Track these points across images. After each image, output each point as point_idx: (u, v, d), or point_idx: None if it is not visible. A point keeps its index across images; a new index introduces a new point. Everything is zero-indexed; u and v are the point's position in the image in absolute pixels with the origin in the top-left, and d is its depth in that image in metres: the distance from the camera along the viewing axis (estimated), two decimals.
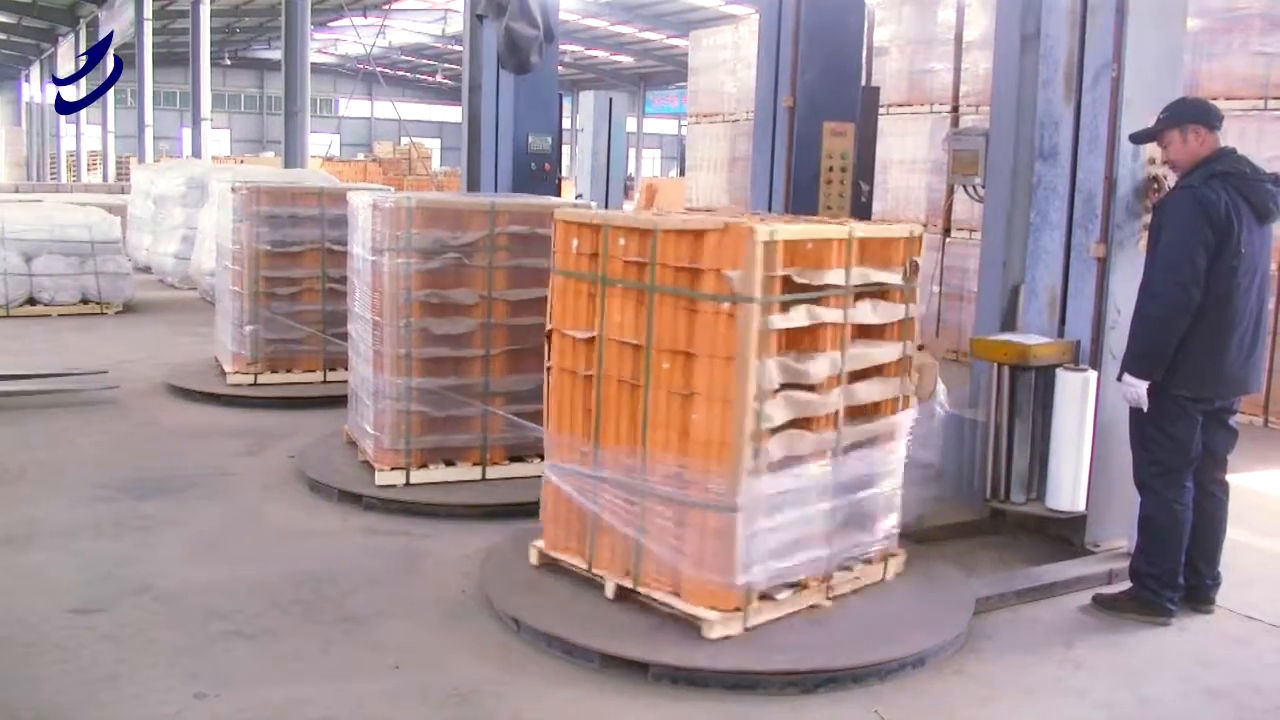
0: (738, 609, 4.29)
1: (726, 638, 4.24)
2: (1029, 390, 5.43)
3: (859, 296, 4.57)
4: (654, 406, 4.43)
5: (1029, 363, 5.37)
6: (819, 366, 4.41)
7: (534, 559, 4.96)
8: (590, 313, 4.69)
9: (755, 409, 4.20)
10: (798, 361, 4.34)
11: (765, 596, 4.41)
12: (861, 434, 4.69)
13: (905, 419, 4.88)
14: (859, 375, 4.65)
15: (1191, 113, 4.79)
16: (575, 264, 4.76)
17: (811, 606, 4.55)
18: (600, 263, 4.61)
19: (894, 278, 4.70)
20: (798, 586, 4.53)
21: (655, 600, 4.46)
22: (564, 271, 4.83)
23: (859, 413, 4.69)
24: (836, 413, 4.55)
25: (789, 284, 4.28)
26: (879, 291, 4.67)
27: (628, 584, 4.55)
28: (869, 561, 4.85)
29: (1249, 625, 4.87)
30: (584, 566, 4.76)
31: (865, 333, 4.67)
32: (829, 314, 4.42)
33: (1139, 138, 5.01)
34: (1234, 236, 4.57)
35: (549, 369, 4.91)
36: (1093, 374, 5.27)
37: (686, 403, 4.32)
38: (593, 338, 4.67)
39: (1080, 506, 5.33)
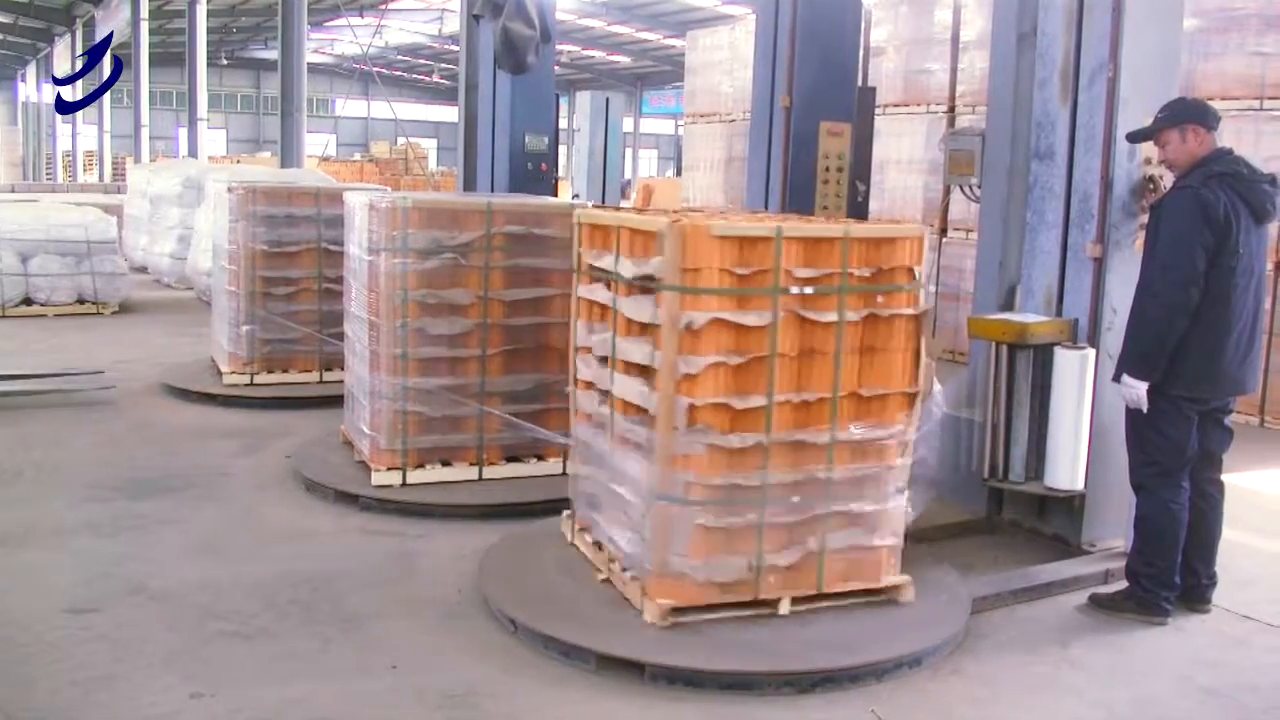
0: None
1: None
2: (1027, 369, 5.42)
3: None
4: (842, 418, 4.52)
5: (1027, 341, 5.36)
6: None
7: (661, 620, 4.43)
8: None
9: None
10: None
11: None
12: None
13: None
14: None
15: (1190, 113, 4.79)
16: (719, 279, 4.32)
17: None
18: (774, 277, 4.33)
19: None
20: None
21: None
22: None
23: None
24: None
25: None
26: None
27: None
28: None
29: (1246, 625, 4.87)
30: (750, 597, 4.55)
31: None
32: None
33: (1136, 136, 5.02)
34: (1232, 237, 4.58)
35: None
36: (1091, 351, 5.26)
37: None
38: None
39: (1079, 485, 5.32)
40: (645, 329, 4.39)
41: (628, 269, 4.47)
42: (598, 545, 4.91)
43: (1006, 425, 5.47)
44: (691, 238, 4.20)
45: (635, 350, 4.44)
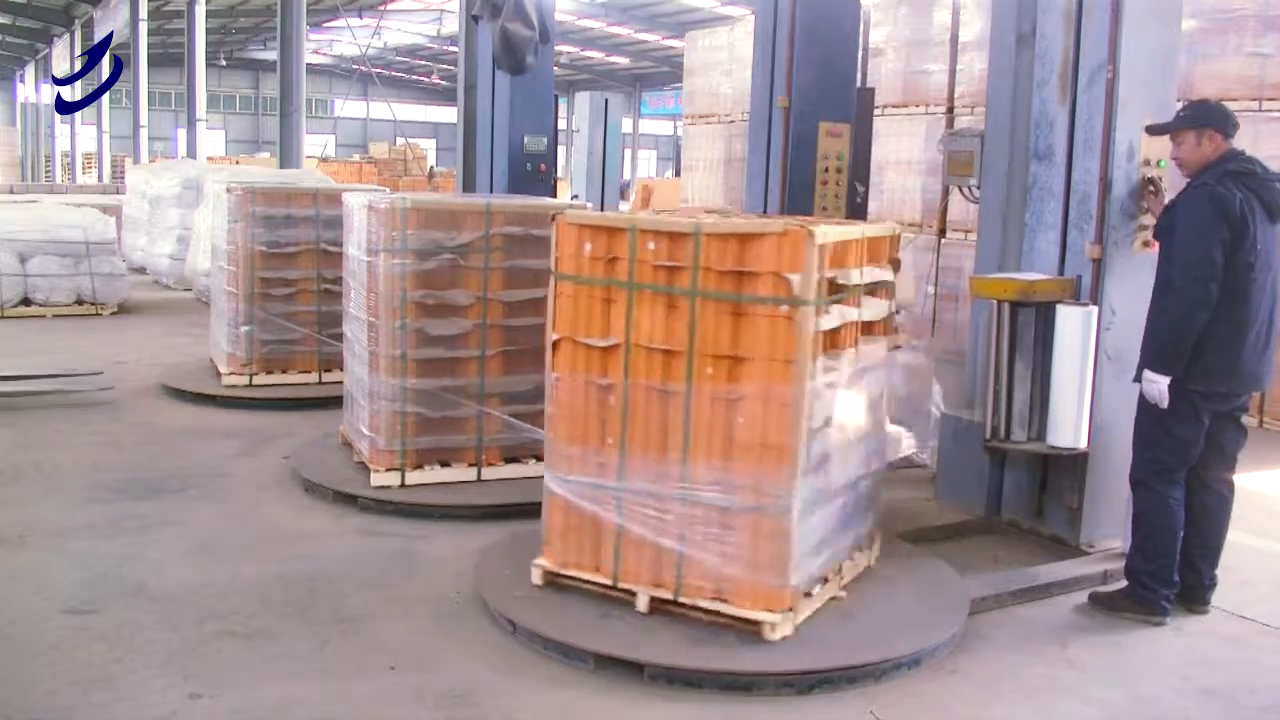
0: (790, 608, 4.29)
1: (784, 638, 4.25)
2: (1029, 327, 5.39)
3: (866, 294, 4.70)
4: (697, 413, 4.34)
5: (1030, 298, 5.34)
6: (845, 365, 4.49)
7: (538, 579, 4.70)
8: (607, 319, 4.52)
9: (808, 409, 4.21)
10: (833, 361, 4.40)
11: (805, 594, 4.45)
12: (869, 425, 4.85)
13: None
14: (866, 369, 4.76)
15: (1212, 118, 4.80)
16: (589, 269, 4.56)
17: (833, 599, 4.63)
18: (628, 267, 4.44)
19: (889, 275, 4.85)
20: (823, 581, 4.60)
21: (700, 609, 4.37)
22: (574, 277, 4.62)
23: (869, 406, 4.85)
24: (858, 409, 4.70)
25: (833, 285, 4.34)
26: (876, 289, 4.77)
27: (664, 594, 4.43)
28: (860, 549, 4.97)
29: (1244, 625, 4.87)
30: (607, 582, 4.57)
31: (868, 329, 4.77)
32: (852, 312, 4.51)
33: (1155, 129, 5.01)
34: (1249, 233, 4.60)
35: (556, 378, 4.71)
36: (1093, 309, 5.25)
37: (732, 407, 4.27)
38: (614, 345, 4.50)
39: (1082, 443, 5.30)
40: None
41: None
42: None
43: (1008, 386, 5.41)
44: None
45: None
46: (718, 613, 4.35)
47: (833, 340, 4.41)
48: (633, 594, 4.50)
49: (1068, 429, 5.28)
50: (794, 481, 4.21)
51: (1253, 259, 4.62)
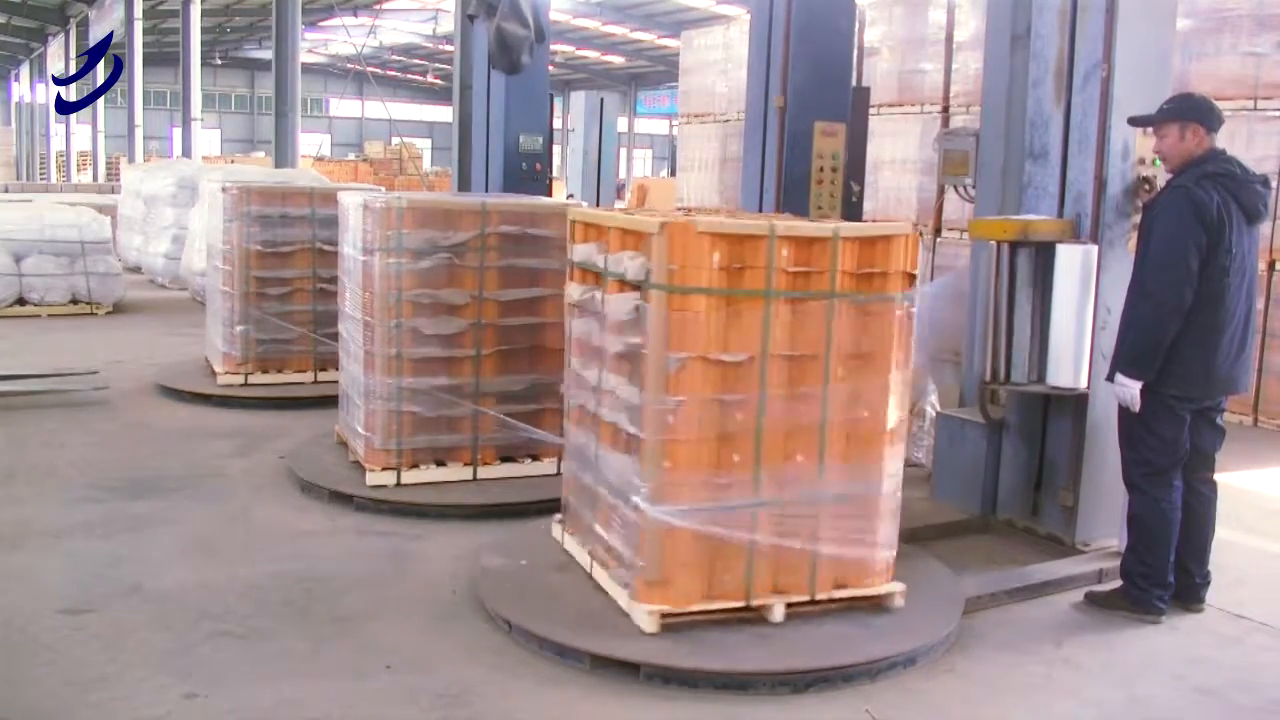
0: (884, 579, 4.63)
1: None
2: (1029, 268, 5.37)
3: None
4: (832, 413, 4.44)
5: (1029, 238, 5.32)
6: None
7: (652, 626, 4.27)
8: (728, 332, 4.25)
9: (895, 399, 4.53)
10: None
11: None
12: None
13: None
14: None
15: (1195, 111, 4.79)
16: (717, 279, 4.21)
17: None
18: (765, 275, 4.24)
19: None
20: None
21: (833, 600, 4.55)
22: (705, 289, 4.20)
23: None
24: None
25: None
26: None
27: (800, 598, 4.49)
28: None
29: (1239, 624, 4.88)
30: (738, 605, 4.40)
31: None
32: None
33: (1138, 121, 5.01)
34: (1225, 237, 4.59)
35: (680, 402, 4.23)
36: (1093, 247, 5.24)
37: (856, 402, 4.46)
38: (749, 359, 4.29)
39: (1082, 384, 5.28)
40: None
41: None
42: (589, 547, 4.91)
43: (1008, 327, 5.37)
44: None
45: None
46: (848, 599, 4.57)
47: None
48: (764, 608, 4.43)
49: (1067, 369, 5.26)
50: (899, 461, 4.62)
51: (1228, 262, 4.61)
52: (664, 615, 4.30)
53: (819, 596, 4.52)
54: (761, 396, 4.32)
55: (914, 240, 4.48)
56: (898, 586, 4.61)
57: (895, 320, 4.45)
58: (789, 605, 4.46)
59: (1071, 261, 5.21)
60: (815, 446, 4.43)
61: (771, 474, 4.39)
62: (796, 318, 4.33)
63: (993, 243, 5.40)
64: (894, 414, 4.54)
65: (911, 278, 4.49)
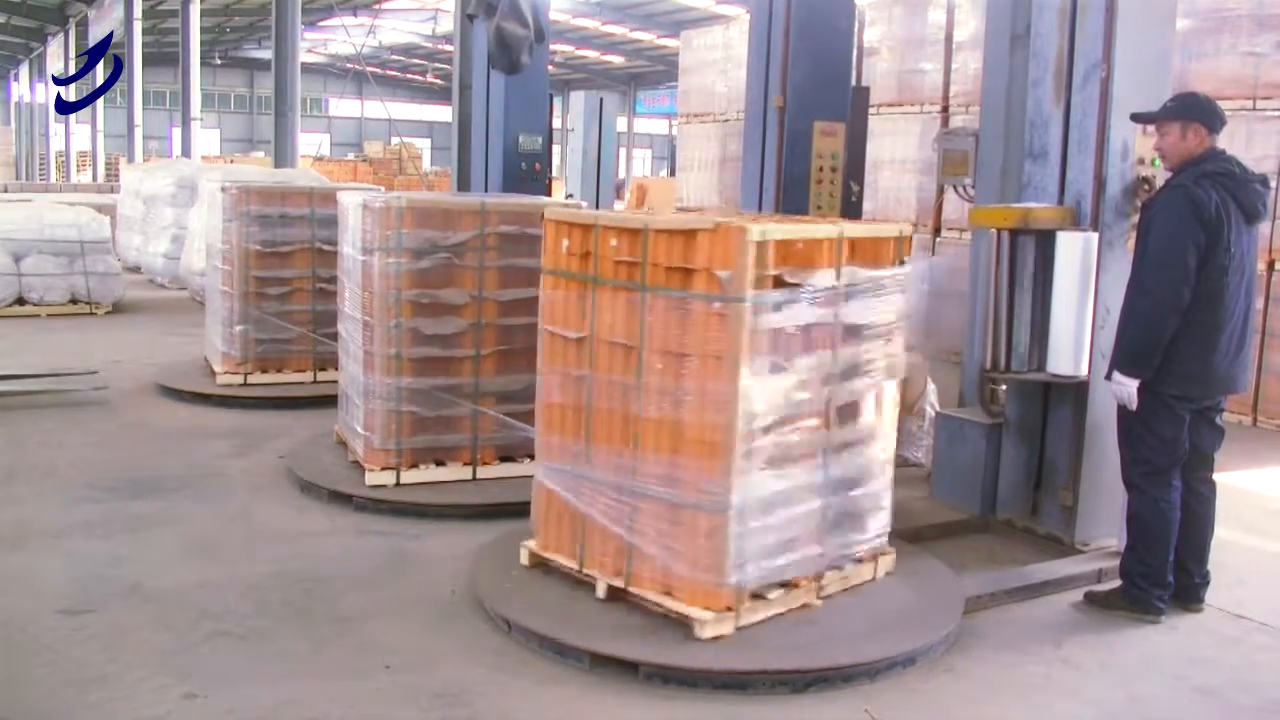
0: (729, 608, 4.29)
1: (718, 637, 4.24)
2: (1029, 256, 5.35)
3: (851, 296, 4.58)
4: (646, 407, 4.41)
5: (1029, 226, 5.30)
6: (809, 366, 4.42)
7: (525, 559, 4.94)
8: (581, 313, 4.68)
9: (746, 408, 4.20)
10: (789, 361, 4.35)
11: (757, 596, 4.42)
12: (853, 433, 4.71)
13: (893, 417, 4.94)
14: (850, 374, 4.65)
15: (1198, 111, 4.78)
16: (566, 263, 4.74)
17: (803, 605, 4.56)
18: (592, 262, 4.59)
19: (884, 277, 4.72)
20: (789, 586, 4.54)
21: (647, 600, 4.46)
22: (554, 271, 4.82)
23: (850, 412, 4.71)
24: (828, 412, 4.56)
25: (780, 283, 4.28)
26: (871, 291, 4.67)
27: (619, 583, 4.55)
28: (859, 560, 4.87)
29: (1239, 624, 4.88)
30: (575, 566, 4.75)
31: (855, 333, 4.67)
32: (820, 313, 4.43)
33: (1140, 117, 5.00)
34: (1224, 236, 4.59)
35: (542, 369, 4.89)
36: (1094, 235, 5.23)
37: (679, 403, 4.31)
38: (583, 338, 4.65)
39: (1082, 371, 5.27)
40: None
41: None
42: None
43: (1008, 315, 5.36)
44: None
45: None
46: (661, 605, 4.41)
47: (793, 339, 4.37)
48: (593, 581, 4.65)
49: (1068, 356, 5.24)
50: (730, 480, 4.21)
51: (1226, 262, 4.61)
52: (531, 554, 4.93)
53: (632, 589, 4.52)
54: (589, 377, 4.63)
55: (725, 235, 4.14)
56: (707, 616, 4.22)
57: (708, 320, 4.20)
58: (611, 588, 4.58)
59: (1072, 249, 5.19)
60: (630, 436, 4.47)
61: (597, 452, 4.63)
62: (626, 307, 4.49)
63: (993, 231, 5.39)
64: (725, 428, 4.19)
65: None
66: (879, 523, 4.91)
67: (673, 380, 4.33)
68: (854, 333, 4.64)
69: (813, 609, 4.57)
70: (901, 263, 4.79)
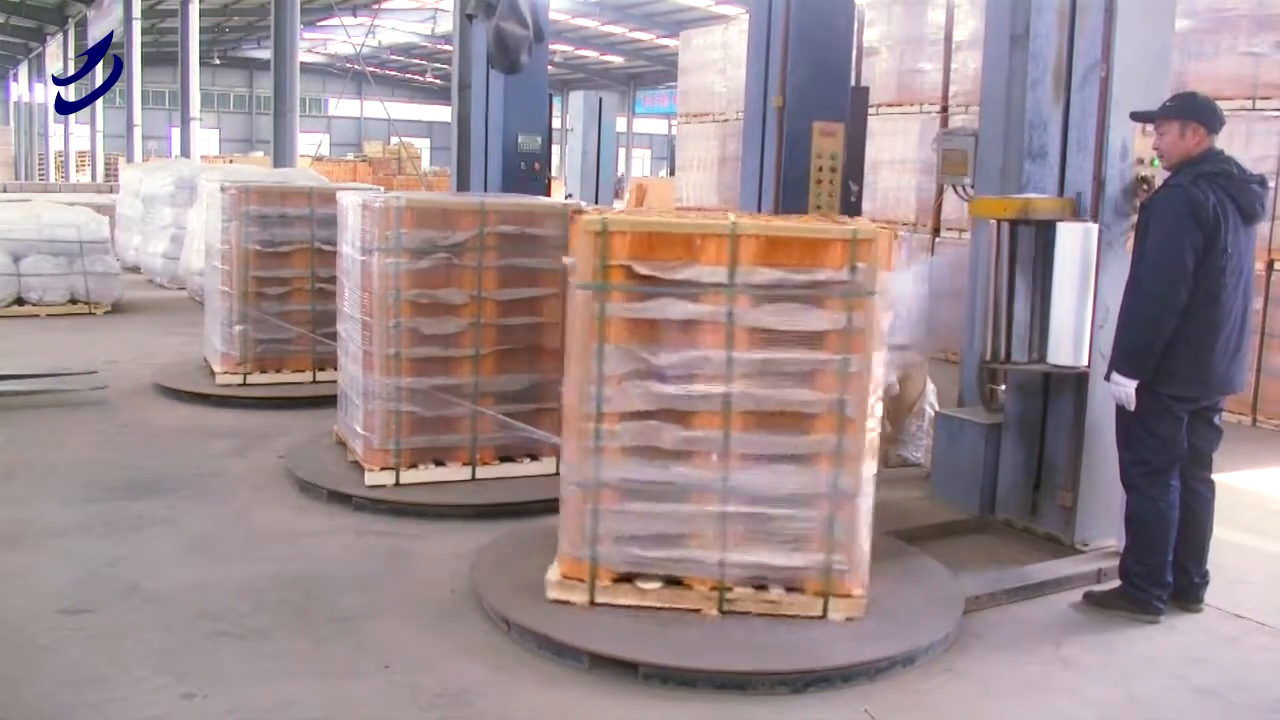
0: (581, 579, 4.55)
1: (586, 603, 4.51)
2: (1029, 247, 5.35)
3: (764, 299, 4.33)
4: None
5: (1029, 216, 5.30)
6: (672, 361, 4.38)
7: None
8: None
9: (593, 392, 4.42)
10: (650, 353, 4.39)
11: (624, 579, 4.53)
12: (772, 445, 4.41)
13: (847, 440, 4.39)
14: (770, 382, 4.37)
15: (1198, 111, 4.78)
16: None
17: (696, 610, 4.48)
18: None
19: (811, 281, 4.31)
20: (677, 583, 4.52)
21: None
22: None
23: (773, 421, 4.40)
24: (724, 414, 4.40)
25: (634, 274, 4.36)
26: (798, 296, 4.32)
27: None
28: (797, 590, 4.50)
29: (1238, 623, 4.88)
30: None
31: (773, 338, 4.35)
32: (701, 310, 4.35)
33: (1140, 116, 5.00)
34: (1222, 236, 4.59)
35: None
36: (1093, 225, 5.22)
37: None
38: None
39: (1083, 361, 5.26)
40: None
41: None
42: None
43: (1008, 306, 5.36)
44: None
45: None
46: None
47: (664, 333, 4.38)
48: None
49: (1068, 347, 5.23)
50: (582, 458, 4.50)
51: (1224, 262, 4.61)
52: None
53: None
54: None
55: (575, 225, 4.42)
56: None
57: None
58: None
59: (1072, 240, 5.19)
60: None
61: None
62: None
63: (993, 221, 5.39)
64: (573, 415, 4.50)
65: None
66: (829, 556, 4.44)
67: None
68: (771, 337, 4.35)
69: (708, 618, 4.45)
70: (853, 269, 4.27)
